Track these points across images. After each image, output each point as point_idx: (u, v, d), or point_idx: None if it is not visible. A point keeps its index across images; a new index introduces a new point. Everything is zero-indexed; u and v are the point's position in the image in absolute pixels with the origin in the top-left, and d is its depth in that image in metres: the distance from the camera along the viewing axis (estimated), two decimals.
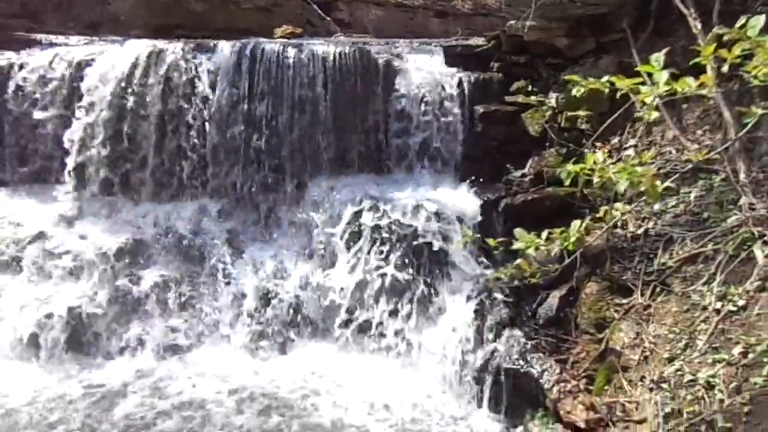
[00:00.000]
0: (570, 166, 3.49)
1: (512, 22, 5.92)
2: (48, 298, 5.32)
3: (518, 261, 3.89)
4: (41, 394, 4.72)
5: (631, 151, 4.79)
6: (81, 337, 5.20)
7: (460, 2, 11.75)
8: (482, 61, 6.29)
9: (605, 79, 3.22)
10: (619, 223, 4.57)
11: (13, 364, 5.04)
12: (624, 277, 4.34)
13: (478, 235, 4.24)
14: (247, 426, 4.45)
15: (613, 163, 3.57)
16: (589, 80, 3.28)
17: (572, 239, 3.72)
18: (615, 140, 5.26)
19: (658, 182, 3.47)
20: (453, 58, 6.27)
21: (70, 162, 5.90)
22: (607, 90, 3.36)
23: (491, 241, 4.02)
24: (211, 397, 4.75)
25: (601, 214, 4.22)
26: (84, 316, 5.24)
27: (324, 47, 6.21)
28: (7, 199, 6.06)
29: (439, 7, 11.41)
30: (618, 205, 4.25)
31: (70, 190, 5.93)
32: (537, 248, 3.75)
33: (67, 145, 5.91)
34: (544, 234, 3.75)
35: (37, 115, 6.01)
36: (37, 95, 6.04)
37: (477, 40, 6.76)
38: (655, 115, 3.17)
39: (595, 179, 3.41)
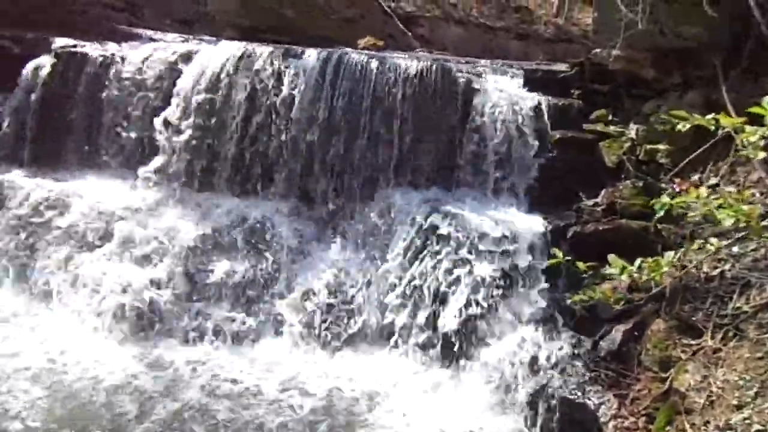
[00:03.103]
0: (665, 199, 3.46)
1: (598, 50, 5.89)
2: (124, 280, 5.61)
3: (605, 286, 3.85)
4: (109, 371, 4.95)
5: (731, 188, 4.66)
6: (150, 321, 5.45)
7: (543, 27, 11.73)
8: (562, 87, 6.27)
9: (710, 116, 3.19)
10: (693, 262, 4.46)
11: (86, 339, 5.33)
12: (694, 318, 4.22)
13: (569, 258, 4.15)
14: (296, 423, 4.54)
15: (715, 199, 3.50)
16: (694, 116, 3.24)
17: (663, 269, 3.66)
18: (695, 177, 5.14)
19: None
20: (533, 81, 6.27)
21: (157, 153, 6.23)
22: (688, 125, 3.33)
23: (581, 265, 3.96)
24: (266, 389, 4.89)
25: (695, 247, 4.11)
26: (154, 300, 5.51)
27: (406, 61, 6.34)
28: (95, 182, 6.42)
29: (520, 30, 11.43)
30: (713, 240, 4.13)
31: (153, 179, 6.25)
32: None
33: (156, 136, 6.25)
34: (637, 262, 3.70)
35: (132, 106, 6.37)
36: (135, 87, 6.41)
37: (559, 66, 6.74)
38: (762, 155, 3.11)
39: (697, 215, 3.36)
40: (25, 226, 6.04)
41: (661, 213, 3.58)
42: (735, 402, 3.53)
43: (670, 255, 3.76)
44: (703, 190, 3.66)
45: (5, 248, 6.00)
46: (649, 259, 3.75)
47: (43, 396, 4.54)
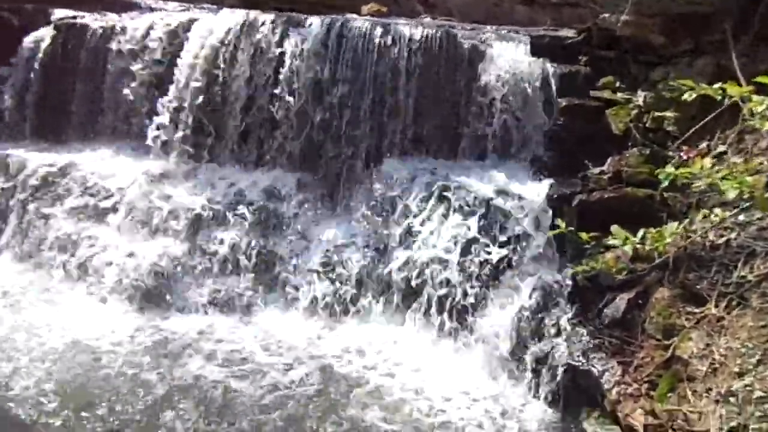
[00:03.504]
0: (670, 169, 3.44)
1: (606, 15, 5.78)
2: (131, 252, 5.68)
3: (608, 257, 3.85)
4: (118, 341, 5.03)
5: (738, 158, 4.61)
6: (158, 292, 5.51)
7: None
8: (569, 53, 6.16)
9: (717, 86, 3.14)
10: (698, 231, 4.45)
11: (95, 311, 5.41)
12: (698, 286, 4.23)
13: (572, 228, 4.14)
14: (303, 390, 4.62)
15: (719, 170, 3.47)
16: (701, 85, 3.19)
17: (667, 240, 3.65)
18: (703, 145, 5.09)
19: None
20: (540, 48, 6.16)
21: (162, 123, 6.22)
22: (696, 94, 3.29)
23: (584, 235, 3.96)
24: (272, 356, 4.97)
25: (699, 217, 4.09)
26: (162, 271, 5.57)
27: (410, 28, 6.25)
28: (100, 155, 6.44)
29: None
30: (718, 211, 4.11)
31: (158, 150, 6.25)
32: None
33: (159, 107, 6.23)
34: (640, 233, 3.70)
35: (134, 77, 6.34)
36: (136, 57, 6.37)
37: (566, 32, 6.62)
38: None
39: (702, 184, 3.34)
40: (32, 200, 6.08)
41: (666, 183, 3.55)
42: (737, 369, 3.57)
43: (673, 226, 3.75)
44: (708, 161, 3.63)
45: (13, 223, 6.05)
46: (653, 230, 3.74)
47: (58, 367, 4.63)
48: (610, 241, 3.77)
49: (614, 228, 3.83)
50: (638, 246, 3.70)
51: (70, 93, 6.51)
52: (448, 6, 10.63)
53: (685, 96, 3.41)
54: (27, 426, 4.08)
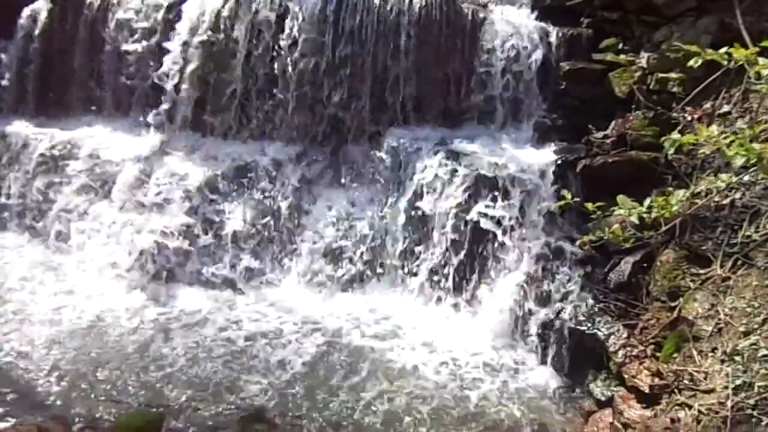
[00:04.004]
0: (675, 135, 3.40)
1: None
2: (135, 226, 5.68)
3: (614, 227, 3.83)
4: (128, 314, 5.09)
5: (742, 123, 4.57)
6: (163, 266, 5.52)
7: None
8: (572, 15, 6.07)
9: (723, 50, 3.10)
10: (702, 192, 4.44)
11: (104, 284, 5.44)
12: (703, 247, 4.25)
13: (578, 199, 4.11)
14: (311, 358, 4.70)
15: (726, 135, 3.43)
16: (706, 50, 3.14)
17: (674, 208, 3.64)
18: (707, 105, 5.04)
19: None
20: (542, 11, 6.08)
21: (162, 97, 6.17)
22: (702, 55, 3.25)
23: (589, 206, 3.93)
24: (280, 327, 5.03)
25: (704, 184, 4.08)
26: (166, 246, 5.56)
27: None
28: (100, 129, 6.40)
29: None
30: (724, 176, 4.09)
31: (159, 124, 6.21)
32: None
33: (158, 80, 6.17)
34: (647, 202, 3.68)
35: (133, 50, 6.27)
36: (134, 31, 6.28)
37: None
38: None
39: (707, 150, 3.30)
40: (35, 177, 6.07)
41: (672, 150, 3.53)
42: (743, 329, 3.60)
43: (680, 193, 3.73)
44: (714, 128, 3.59)
45: (17, 200, 6.06)
46: (659, 198, 3.73)
47: (69, 343, 4.69)
48: (617, 212, 3.75)
49: (620, 198, 3.80)
50: (645, 216, 3.69)
51: (70, 66, 6.43)
52: None
53: (691, 63, 3.36)
54: (43, 395, 4.15)
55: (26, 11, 6.51)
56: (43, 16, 6.47)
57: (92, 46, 6.41)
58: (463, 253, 5.31)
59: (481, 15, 6.05)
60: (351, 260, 5.55)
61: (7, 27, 6.50)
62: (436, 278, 5.35)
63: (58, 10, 6.47)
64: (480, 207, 5.30)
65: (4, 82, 6.52)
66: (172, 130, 6.20)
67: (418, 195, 5.51)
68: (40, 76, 6.48)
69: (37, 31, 6.44)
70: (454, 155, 5.57)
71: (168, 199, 5.78)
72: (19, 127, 6.34)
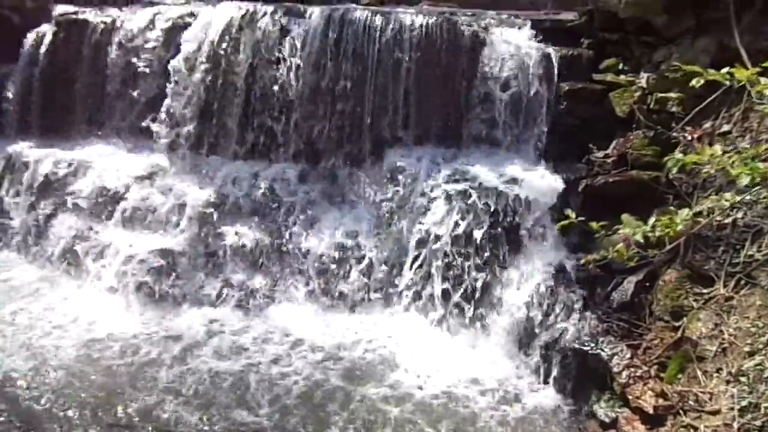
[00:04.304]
0: (678, 155, 3.40)
1: None
2: (139, 246, 5.68)
3: (619, 246, 3.81)
4: (128, 334, 5.07)
5: (745, 142, 4.57)
6: (164, 286, 5.52)
7: None
8: (572, 37, 6.13)
9: (725, 71, 3.12)
10: (704, 211, 4.43)
11: (104, 304, 5.43)
12: (706, 267, 4.23)
13: (582, 218, 4.10)
14: (311, 381, 4.64)
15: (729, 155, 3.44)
16: (708, 71, 3.16)
17: (679, 227, 3.62)
18: (707, 125, 5.05)
19: None
20: (542, 32, 6.11)
21: (164, 118, 6.21)
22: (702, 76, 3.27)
23: (594, 225, 3.91)
24: (280, 348, 4.99)
25: (707, 204, 4.07)
26: (167, 266, 5.58)
27: (411, 17, 6.20)
28: (103, 150, 6.45)
29: None
30: (727, 195, 4.08)
31: (162, 145, 6.25)
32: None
33: (160, 101, 6.21)
34: (651, 220, 3.67)
35: (136, 71, 6.35)
36: (138, 52, 6.36)
37: (567, 15, 6.57)
38: None
39: (711, 170, 3.31)
40: (39, 197, 6.11)
41: (675, 170, 3.53)
42: (747, 349, 3.57)
43: (684, 212, 3.72)
44: (718, 148, 3.59)
45: (22, 221, 6.09)
46: (663, 217, 3.72)
47: (71, 364, 4.68)
48: (621, 231, 3.74)
49: (624, 217, 3.80)
50: (649, 234, 3.67)
51: (73, 89, 6.53)
52: None
53: (693, 82, 3.37)
54: (43, 418, 4.12)
55: (31, 35, 6.61)
56: (47, 39, 6.57)
57: (95, 69, 6.50)
58: (465, 274, 5.28)
59: (482, 36, 6.08)
60: (352, 281, 5.53)
61: (12, 51, 6.59)
62: (437, 300, 5.32)
63: (62, 33, 6.57)
64: (482, 227, 5.29)
65: (9, 105, 6.59)
66: (174, 151, 6.23)
67: (419, 216, 5.52)
68: (44, 98, 6.57)
69: (41, 55, 6.53)
70: (455, 176, 5.58)
71: (170, 220, 5.80)
72: (23, 148, 6.39)
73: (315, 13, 6.23)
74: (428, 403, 4.48)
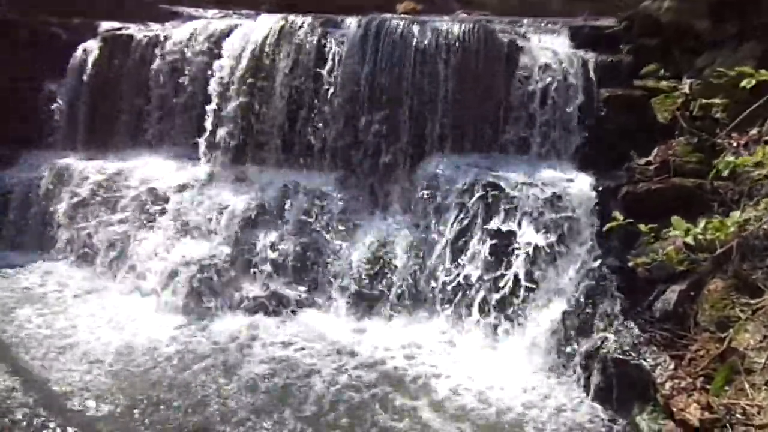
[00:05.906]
0: (729, 158, 3.33)
1: (647, 2, 5.66)
2: (180, 256, 5.80)
3: (669, 248, 3.74)
4: (168, 339, 5.17)
5: None
6: (206, 293, 5.62)
7: None
8: (611, 43, 6.08)
9: None
10: (752, 219, 4.32)
11: (148, 308, 5.58)
12: (754, 276, 4.12)
13: (631, 220, 4.04)
14: (346, 389, 4.65)
15: None
16: (760, 71, 3.09)
17: (730, 230, 3.54)
18: (753, 131, 4.95)
19: None
20: (580, 38, 6.10)
21: (207, 129, 6.37)
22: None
23: (642, 227, 3.85)
24: (317, 357, 5.02)
25: (754, 212, 3.97)
26: (209, 273, 5.67)
27: (448, 24, 6.24)
28: (148, 161, 6.62)
29: None
30: None
31: (204, 155, 6.40)
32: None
33: (204, 113, 6.36)
34: (702, 222, 3.60)
35: (180, 83, 6.51)
36: (180, 65, 6.53)
37: (606, 21, 6.51)
38: None
39: (764, 172, 3.23)
40: (86, 207, 6.30)
41: (726, 172, 3.45)
42: None
43: (736, 214, 3.63)
44: None
45: (69, 230, 6.29)
46: (714, 219, 3.64)
47: (113, 369, 4.78)
48: (671, 233, 3.66)
49: (674, 219, 3.71)
50: (699, 237, 3.59)
51: (119, 102, 6.73)
52: (483, 1, 10.54)
53: (743, 83, 3.30)
54: (82, 419, 4.22)
55: (78, 50, 6.85)
56: (93, 55, 6.79)
57: (140, 82, 6.70)
58: (503, 281, 5.27)
59: (519, 43, 6.08)
60: (389, 288, 5.55)
61: (60, 66, 6.84)
62: (474, 307, 5.30)
63: (107, 48, 6.79)
64: (520, 234, 5.27)
65: (58, 117, 6.83)
66: (216, 161, 6.37)
67: (457, 223, 5.52)
68: (91, 111, 6.80)
69: (88, 69, 6.76)
70: (494, 183, 5.57)
71: (212, 228, 5.92)
72: (72, 160, 6.62)
73: (352, 22, 6.30)
74: (467, 411, 4.45)
